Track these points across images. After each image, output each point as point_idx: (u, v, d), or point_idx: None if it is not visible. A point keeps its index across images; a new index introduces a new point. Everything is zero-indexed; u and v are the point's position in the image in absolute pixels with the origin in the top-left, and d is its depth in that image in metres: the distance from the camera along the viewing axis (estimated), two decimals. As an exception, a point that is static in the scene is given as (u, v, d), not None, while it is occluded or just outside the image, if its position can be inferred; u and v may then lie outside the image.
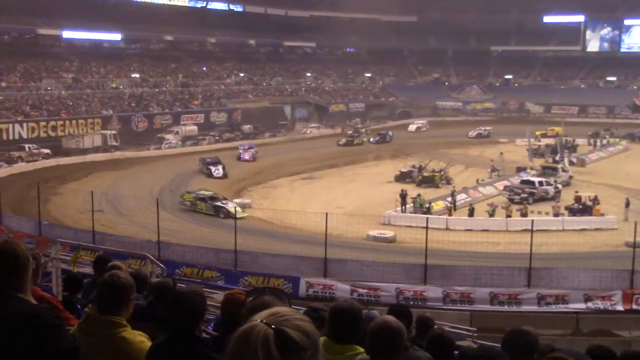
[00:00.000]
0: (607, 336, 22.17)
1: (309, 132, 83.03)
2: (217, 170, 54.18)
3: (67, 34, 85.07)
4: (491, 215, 40.83)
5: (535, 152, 63.20)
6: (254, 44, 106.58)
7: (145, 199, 41.41)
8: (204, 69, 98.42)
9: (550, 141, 67.35)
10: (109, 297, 4.25)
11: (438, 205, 43.30)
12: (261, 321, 1.90)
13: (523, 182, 47.86)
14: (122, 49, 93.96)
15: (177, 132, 73.21)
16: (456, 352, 6.23)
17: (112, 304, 4.24)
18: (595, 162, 63.20)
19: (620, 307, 24.75)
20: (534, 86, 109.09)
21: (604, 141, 73.53)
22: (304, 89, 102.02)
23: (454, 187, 47.32)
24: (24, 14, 77.71)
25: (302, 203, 43.77)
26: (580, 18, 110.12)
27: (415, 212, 41.17)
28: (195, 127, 77.31)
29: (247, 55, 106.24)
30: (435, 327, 7.39)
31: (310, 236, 34.22)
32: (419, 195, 43.26)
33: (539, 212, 40.91)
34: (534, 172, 52.43)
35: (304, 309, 4.82)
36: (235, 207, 37.84)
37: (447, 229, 37.70)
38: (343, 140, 75.08)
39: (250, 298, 3.19)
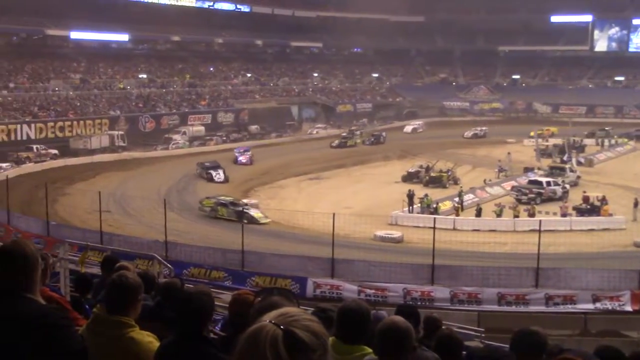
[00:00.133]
0: (615, 337, 22.12)
1: (315, 132, 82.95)
2: (218, 175, 52.91)
3: (74, 34, 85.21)
4: (498, 215, 40.75)
5: (543, 152, 63.06)
6: (261, 44, 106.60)
7: (152, 200, 41.48)
8: (211, 69, 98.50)
9: (558, 141, 67.18)
10: (117, 297, 4.26)
11: (445, 206, 43.23)
12: (270, 322, 1.90)
13: (531, 182, 47.76)
14: (130, 49, 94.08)
15: (184, 133, 73.33)
16: (464, 352, 6.22)
17: (120, 304, 4.25)
18: (603, 162, 63.02)
19: (628, 308, 24.66)
20: (542, 86, 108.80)
21: (612, 141, 73.33)
22: (311, 89, 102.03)
23: (461, 187, 47.25)
24: (32, 15, 77.90)
25: (310, 203, 43.79)
26: (588, 18, 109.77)
27: (422, 213, 41.12)
28: (202, 128, 77.40)
29: (254, 56, 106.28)
30: (443, 327, 7.37)
31: (318, 236, 34.23)
32: (426, 195, 43.23)
33: (547, 213, 40.82)
34: (541, 172, 52.30)
35: (312, 309, 4.81)
36: (258, 212, 37.78)
37: (454, 229, 37.64)
38: (336, 142, 74.04)
39: (259, 298, 3.19)
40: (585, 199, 42.73)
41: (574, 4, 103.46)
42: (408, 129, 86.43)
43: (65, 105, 71.15)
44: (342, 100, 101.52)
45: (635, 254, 31.73)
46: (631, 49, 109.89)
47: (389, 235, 36.48)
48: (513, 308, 24.93)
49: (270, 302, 2.93)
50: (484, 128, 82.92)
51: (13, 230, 32.16)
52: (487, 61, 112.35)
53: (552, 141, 68.31)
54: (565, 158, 58.66)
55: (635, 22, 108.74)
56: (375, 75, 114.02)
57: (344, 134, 77.13)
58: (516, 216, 40.27)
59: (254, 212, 39.48)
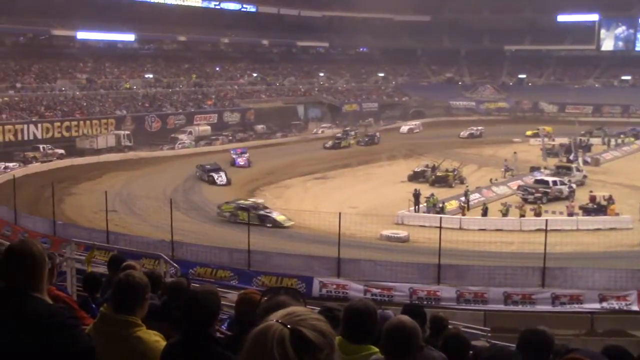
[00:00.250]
0: (622, 336, 22.03)
1: (320, 132, 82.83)
2: (220, 177, 51.61)
3: (81, 34, 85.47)
4: (505, 214, 40.68)
5: (550, 152, 62.92)
6: (267, 44, 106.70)
7: (158, 199, 41.53)
8: (217, 69, 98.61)
9: (565, 141, 67.04)
10: (124, 296, 4.27)
11: (451, 205, 43.17)
12: (277, 321, 1.90)
13: (537, 181, 47.67)
14: (136, 49, 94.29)
15: (190, 132, 73.49)
16: (470, 352, 6.21)
17: (127, 303, 4.25)
18: (609, 162, 62.85)
19: (635, 307, 24.55)
20: (548, 85, 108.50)
21: (619, 140, 73.15)
22: (317, 89, 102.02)
23: (467, 186, 47.21)
24: (38, 15, 78.06)
25: (315, 203, 43.78)
26: (594, 17, 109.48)
27: (428, 212, 41.07)
28: (208, 127, 77.52)
29: (260, 56, 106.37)
30: (449, 327, 7.36)
31: (324, 236, 34.23)
32: (432, 194, 43.18)
33: (553, 212, 40.72)
34: (548, 171, 52.23)
35: (318, 308, 4.81)
36: (281, 215, 37.35)
37: (460, 228, 37.59)
38: (330, 143, 72.68)
39: (265, 298, 3.19)
40: (592, 199, 42.61)
41: (581, 3, 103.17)
42: (404, 129, 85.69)
43: (71, 105, 71.34)
44: (348, 100, 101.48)
45: (642, 253, 31.65)
46: (638, 48, 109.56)
47: (395, 235, 36.46)
48: (519, 307, 24.86)
49: (277, 301, 2.92)
50: (479, 128, 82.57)
51: (20, 229, 32.26)
52: (493, 61, 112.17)
53: (558, 140, 68.14)
54: (571, 157, 58.50)
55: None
56: (381, 74, 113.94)
57: (338, 135, 76.06)
58: (522, 215, 40.18)
59: (276, 215, 38.73)
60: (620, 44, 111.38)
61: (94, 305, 6.38)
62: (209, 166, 53.22)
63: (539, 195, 44.54)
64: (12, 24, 77.20)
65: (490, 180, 50.98)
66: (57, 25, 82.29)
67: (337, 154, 67.58)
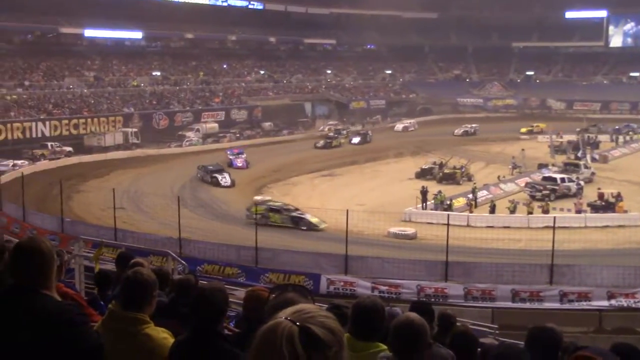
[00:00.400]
0: (630, 334, 21.97)
1: (327, 129, 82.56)
2: (225, 179, 50.10)
3: (88, 32, 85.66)
4: (512, 212, 40.59)
5: (558, 149, 62.74)
6: (274, 41, 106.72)
7: (166, 197, 41.63)
8: (225, 66, 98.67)
9: (573, 137, 66.90)
10: (132, 293, 4.28)
11: (459, 202, 43.12)
12: (286, 318, 1.90)
13: (545, 178, 47.56)
14: (143, 47, 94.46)
15: (197, 130, 73.56)
16: (479, 349, 6.20)
17: (135, 300, 4.26)
18: (618, 159, 62.64)
19: (644, 305, 24.52)
20: (556, 82, 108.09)
21: (627, 137, 72.88)
22: (324, 86, 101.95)
23: (474, 183, 47.12)
24: (46, 13, 78.21)
25: (323, 200, 43.78)
26: (602, 13, 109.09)
27: (436, 209, 41.03)
28: (215, 125, 77.56)
29: (268, 53, 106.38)
30: (458, 324, 7.35)
31: (331, 233, 34.23)
32: (439, 192, 43.16)
33: (561, 209, 40.63)
34: (556, 168, 52.10)
35: (326, 306, 4.81)
36: (314, 217, 36.67)
37: (468, 225, 37.52)
38: (321, 143, 70.92)
39: (273, 295, 3.19)
40: (600, 196, 42.51)
41: (589, 0, 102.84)
42: (399, 127, 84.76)
43: (79, 102, 71.50)
44: (355, 97, 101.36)
45: (650, 250, 31.53)
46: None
47: (403, 232, 36.44)
48: (527, 305, 24.80)
49: (285, 298, 2.93)
50: (474, 125, 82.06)
51: (28, 227, 32.37)
52: (501, 57, 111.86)
53: (566, 138, 68.00)
54: (579, 154, 58.33)
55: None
56: (389, 71, 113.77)
57: (330, 134, 74.73)
58: (530, 213, 40.08)
59: (310, 217, 37.54)
60: (629, 40, 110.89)
61: (102, 303, 6.39)
62: (211, 167, 52.10)
63: (547, 192, 44.43)
64: (20, 22, 77.44)
65: (498, 177, 50.89)
66: (65, 23, 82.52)
67: (340, 152, 67.46)
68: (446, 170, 51.91)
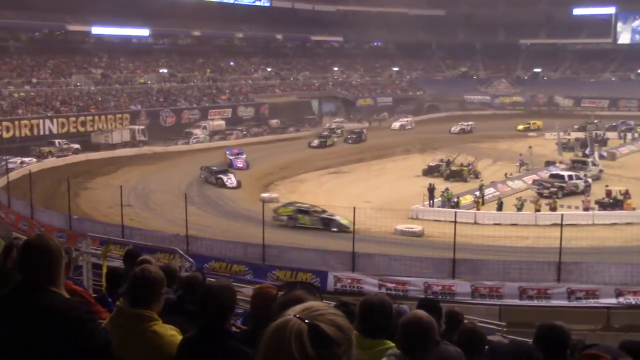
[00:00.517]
0: (639, 332, 21.89)
1: (333, 126, 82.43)
2: (230, 180, 48.74)
3: (96, 30, 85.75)
4: (520, 209, 40.52)
5: (565, 146, 62.60)
6: (281, 38, 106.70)
7: (173, 194, 41.66)
8: (232, 63, 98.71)
9: (580, 134, 66.73)
10: (140, 290, 4.28)
11: (466, 200, 43.07)
12: (295, 316, 1.90)
13: (552, 176, 47.46)
14: (150, 44, 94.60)
15: (204, 127, 73.59)
16: (486, 346, 6.19)
17: (143, 297, 4.26)
18: (626, 156, 62.43)
19: (652, 302, 24.44)
20: (564, 79, 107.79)
21: (635, 134, 72.65)
22: (331, 84, 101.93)
23: (482, 181, 47.09)
24: (53, 11, 78.38)
25: (330, 197, 43.76)
26: (611, 10, 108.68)
27: (443, 206, 40.98)
28: (222, 122, 77.58)
29: (275, 50, 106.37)
30: (465, 321, 7.34)
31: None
32: (447, 189, 43.10)
33: (569, 206, 40.55)
34: (563, 165, 51.99)
35: (333, 303, 4.81)
36: (344, 218, 35.53)
37: (475, 223, 37.46)
38: (315, 142, 69.18)
39: (282, 292, 3.19)
40: (608, 193, 42.40)
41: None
42: (396, 125, 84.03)
43: (86, 100, 71.64)
44: (362, 94, 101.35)
45: (658, 248, 31.42)
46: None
47: (410, 229, 36.39)
48: (535, 302, 24.76)
49: (294, 296, 2.92)
50: (470, 123, 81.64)
51: (36, 224, 32.48)
52: (508, 54, 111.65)
53: (574, 134, 67.84)
54: (587, 151, 58.19)
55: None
56: (396, 69, 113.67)
57: (324, 133, 73.48)
58: (537, 210, 40.00)
59: (340, 219, 36.24)
60: (638, 37, 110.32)
61: (110, 300, 6.40)
62: (215, 168, 50.93)
63: (555, 189, 44.35)
64: (28, 19, 77.64)
65: (505, 174, 50.86)
66: (72, 21, 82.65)
67: (351, 149, 67.41)
68: (453, 168, 51.86)
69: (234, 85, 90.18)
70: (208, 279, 7.08)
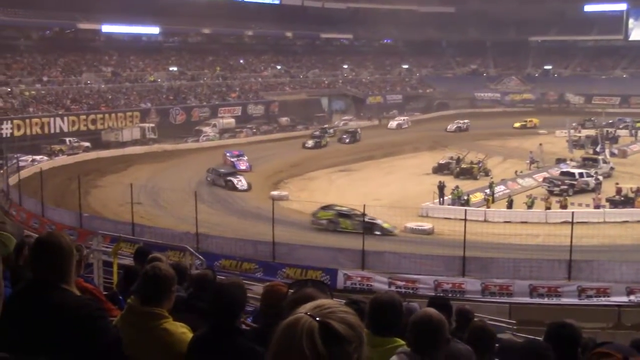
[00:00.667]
0: (649, 330, 21.84)
1: (342, 124, 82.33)
2: (240, 182, 47.30)
3: (106, 28, 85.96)
4: (530, 207, 40.44)
5: (576, 144, 62.35)
6: (291, 36, 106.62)
7: (183, 192, 41.67)
8: (241, 61, 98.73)
9: (591, 132, 66.46)
10: (151, 288, 4.29)
11: (476, 197, 43.00)
12: (306, 313, 1.90)
13: (563, 173, 47.32)
14: (160, 42, 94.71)
15: (214, 125, 73.66)
16: (496, 344, 6.18)
17: (154, 295, 4.28)
18: (637, 153, 62.12)
19: (663, 301, 24.33)
20: (574, 76, 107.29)
21: (633, 131, 72.13)
22: (341, 81, 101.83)
23: (492, 179, 46.98)
24: (64, 9, 78.63)
25: (340, 195, 43.70)
26: (622, 6, 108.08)
27: (453, 204, 40.94)
28: (232, 120, 77.65)
29: (284, 48, 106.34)
30: (475, 319, 7.33)
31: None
32: (457, 187, 43.05)
33: (579, 204, 40.41)
34: (574, 163, 51.80)
35: (343, 301, 4.81)
36: (386, 222, 34.91)
37: (485, 220, 37.41)
38: (310, 143, 67.28)
39: (292, 290, 3.19)
40: (618, 191, 42.24)
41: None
42: (392, 124, 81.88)
43: (97, 98, 71.85)
44: (372, 92, 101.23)
45: (670, 246, 31.28)
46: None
47: (420, 227, 36.35)
48: (545, 300, 24.72)
49: (304, 293, 2.92)
50: (466, 121, 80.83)
51: (47, 222, 32.59)
52: (519, 52, 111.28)
53: (584, 132, 67.57)
54: (598, 149, 57.97)
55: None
56: (406, 66, 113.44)
57: (315, 133, 71.32)
58: (548, 208, 39.91)
59: (382, 222, 35.04)
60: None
61: (121, 298, 6.42)
62: (223, 170, 49.77)
63: (565, 187, 44.20)
64: (39, 18, 78.01)
65: (516, 172, 50.71)
66: (83, 19, 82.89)
67: (360, 147, 67.34)
68: (463, 165, 51.75)
69: (243, 83, 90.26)
70: (218, 276, 7.08)
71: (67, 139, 60.30)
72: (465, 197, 41.82)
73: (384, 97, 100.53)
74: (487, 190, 43.69)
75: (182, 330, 4.30)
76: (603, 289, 24.55)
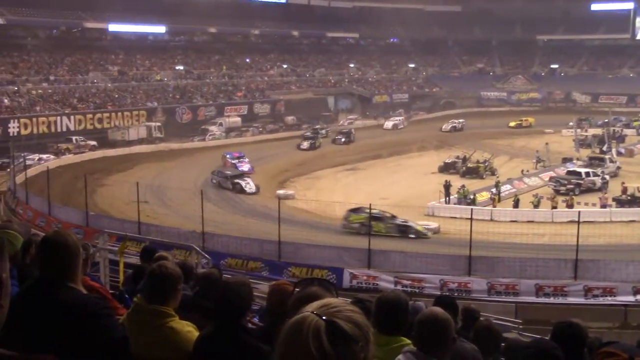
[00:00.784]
0: (656, 330, 21.77)
1: (346, 123, 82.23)
2: (249, 185, 46.37)
3: (112, 27, 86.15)
4: (536, 206, 40.37)
5: (582, 143, 62.18)
6: (297, 35, 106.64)
7: (189, 190, 41.75)
8: (248, 60, 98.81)
9: (598, 131, 66.27)
10: (157, 287, 4.30)
11: (482, 196, 42.96)
12: (312, 312, 1.90)
13: (569, 172, 47.22)
14: (167, 41, 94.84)
15: (220, 124, 73.69)
16: (502, 344, 6.18)
17: (160, 294, 4.28)
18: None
19: (670, 300, 24.24)
20: (581, 75, 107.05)
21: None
22: (347, 80, 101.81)
23: (498, 178, 46.90)
24: (71, 8, 78.88)
25: (346, 194, 43.70)
26: (629, 5, 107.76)
27: (459, 203, 40.89)
28: (238, 119, 77.72)
29: (290, 47, 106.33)
30: (481, 318, 7.33)
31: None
32: (463, 186, 42.99)
33: (586, 204, 40.32)
34: (580, 162, 51.68)
35: (349, 300, 4.81)
36: (419, 225, 34.59)
37: (491, 220, 37.33)
38: (306, 144, 65.87)
39: (297, 289, 3.19)
40: (624, 190, 42.13)
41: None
42: (388, 125, 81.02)
43: (103, 97, 72.00)
44: (378, 91, 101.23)
45: (677, 245, 31.16)
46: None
47: (426, 226, 36.28)
48: (551, 300, 24.63)
49: (309, 292, 2.93)
50: (461, 120, 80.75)
51: (54, 220, 32.64)
52: (525, 51, 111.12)
53: (591, 131, 67.40)
54: (604, 148, 57.81)
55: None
56: (412, 65, 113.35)
57: (306, 134, 69.95)
58: (554, 207, 39.84)
59: (415, 225, 34.76)
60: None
61: (127, 296, 6.44)
62: (229, 172, 48.95)
63: (571, 186, 44.12)
64: (46, 17, 78.26)
65: (522, 171, 50.68)
66: (89, 18, 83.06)
67: (368, 146, 67.22)
68: (469, 165, 51.74)
69: (249, 82, 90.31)
70: (224, 275, 7.09)
71: (74, 138, 60.48)
72: (472, 196, 41.79)
73: (390, 96, 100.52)
74: (493, 190, 43.65)
75: (188, 329, 4.31)
76: (609, 289, 24.46)
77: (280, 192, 44.32)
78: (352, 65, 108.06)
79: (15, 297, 3.38)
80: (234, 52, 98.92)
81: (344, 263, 27.15)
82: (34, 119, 61.40)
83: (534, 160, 54.30)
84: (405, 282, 25.57)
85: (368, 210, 33.44)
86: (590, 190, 44.36)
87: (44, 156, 53.60)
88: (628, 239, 32.53)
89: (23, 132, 59.43)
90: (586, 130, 67.98)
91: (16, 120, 59.96)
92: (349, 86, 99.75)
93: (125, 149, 60.82)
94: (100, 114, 67.26)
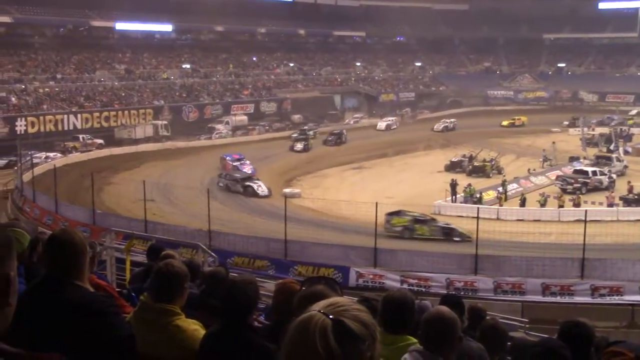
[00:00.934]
0: (663, 329, 21.74)
1: (353, 122, 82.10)
2: (261, 187, 45.15)
3: (119, 25, 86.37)
4: (543, 205, 40.29)
5: (589, 142, 61.99)
6: (304, 33, 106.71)
7: (196, 189, 41.79)
8: (254, 59, 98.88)
9: (605, 130, 66.09)
10: (164, 285, 4.31)
11: (489, 195, 42.90)
12: (319, 311, 1.90)
13: (576, 171, 47.12)
14: (173, 40, 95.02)
15: (227, 122, 73.77)
16: (508, 343, 6.17)
17: (166, 292, 4.29)
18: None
19: (677, 300, 24.17)
20: (588, 74, 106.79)
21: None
22: (353, 79, 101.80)
23: (504, 176, 46.83)
24: (78, 7, 79.11)
25: (352, 193, 43.71)
26: (637, 4, 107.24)
27: (465, 202, 40.84)
28: (245, 117, 77.80)
29: (297, 45, 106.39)
30: (487, 317, 7.32)
31: (360, 226, 34.18)
32: (469, 185, 42.94)
33: (593, 203, 40.22)
34: (587, 161, 51.56)
35: (355, 299, 4.81)
36: (463, 228, 33.52)
37: (498, 219, 37.22)
38: (299, 146, 63.51)
39: (303, 287, 3.20)
40: (630, 189, 42.01)
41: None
42: (381, 125, 78.72)
43: (110, 95, 72.15)
44: (384, 90, 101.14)
45: (683, 245, 31.06)
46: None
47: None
48: (558, 299, 24.59)
49: (315, 291, 2.93)
50: (453, 120, 79.79)
51: (61, 218, 32.73)
52: (532, 49, 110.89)
53: (598, 130, 67.22)
54: (612, 147, 57.64)
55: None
56: (418, 64, 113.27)
57: (294, 135, 67.75)
58: (561, 206, 39.77)
59: (459, 228, 33.80)
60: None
61: (134, 295, 6.45)
62: (238, 175, 47.53)
63: (578, 185, 44.04)
64: (53, 15, 78.53)
65: (528, 170, 50.57)
66: (96, 17, 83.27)
67: (374, 145, 67.14)
68: (476, 163, 51.69)
69: (256, 81, 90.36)
70: (231, 274, 7.10)
71: (81, 136, 60.68)
72: (478, 195, 41.75)
73: (396, 94, 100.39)
74: (500, 188, 43.57)
75: (195, 327, 4.31)
76: (616, 288, 24.41)
77: (287, 190, 44.32)
78: (358, 64, 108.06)
79: (22, 295, 3.39)
80: (240, 50, 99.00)
81: (351, 262, 27.16)
82: (41, 117, 61.56)
83: (541, 159, 54.20)
84: (411, 281, 25.56)
85: (409, 213, 33.74)
86: (597, 189, 44.26)
87: (51, 154, 53.72)
88: (635, 238, 32.43)
89: (30, 130, 59.57)
90: (593, 129, 67.75)
91: (23, 119, 60.15)
92: (356, 85, 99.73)
93: (132, 148, 60.90)
94: (107, 112, 67.39)
